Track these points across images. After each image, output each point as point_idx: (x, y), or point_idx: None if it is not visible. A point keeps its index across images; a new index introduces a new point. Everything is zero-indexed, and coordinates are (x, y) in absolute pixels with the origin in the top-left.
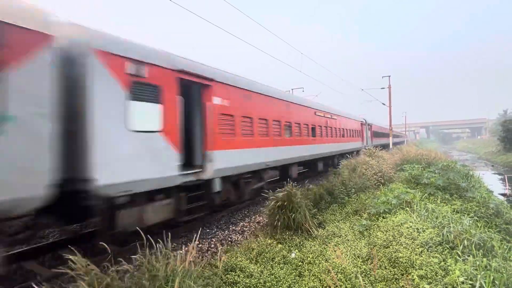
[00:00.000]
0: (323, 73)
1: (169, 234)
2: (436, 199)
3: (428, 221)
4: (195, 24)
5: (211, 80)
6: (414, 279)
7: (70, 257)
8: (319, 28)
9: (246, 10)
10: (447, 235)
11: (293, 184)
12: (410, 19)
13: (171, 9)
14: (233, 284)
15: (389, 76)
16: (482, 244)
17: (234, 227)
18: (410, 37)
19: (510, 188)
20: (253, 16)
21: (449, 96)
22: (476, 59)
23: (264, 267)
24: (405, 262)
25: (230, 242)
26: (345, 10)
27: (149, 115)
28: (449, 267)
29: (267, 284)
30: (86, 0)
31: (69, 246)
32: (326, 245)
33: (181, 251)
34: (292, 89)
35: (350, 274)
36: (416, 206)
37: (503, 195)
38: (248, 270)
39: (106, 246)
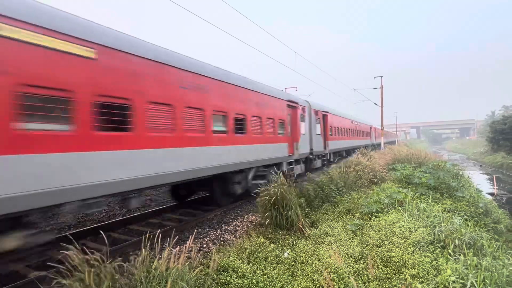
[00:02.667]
0: (317, 73)
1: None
2: (427, 198)
3: (420, 221)
4: (184, 22)
5: None
6: (406, 279)
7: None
8: (319, 28)
9: (241, 9)
10: (439, 235)
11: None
12: (409, 20)
13: (162, 7)
14: (225, 284)
15: (381, 77)
16: (472, 243)
17: (226, 227)
18: (408, 38)
19: (497, 187)
20: (248, 16)
21: (442, 97)
22: (475, 59)
23: (257, 267)
24: (398, 262)
25: (222, 242)
26: (344, 11)
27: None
28: (440, 266)
29: (260, 284)
30: (90, 1)
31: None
32: (319, 244)
33: (173, 251)
34: (285, 88)
35: (343, 274)
36: (408, 206)
37: (491, 194)
38: (241, 270)
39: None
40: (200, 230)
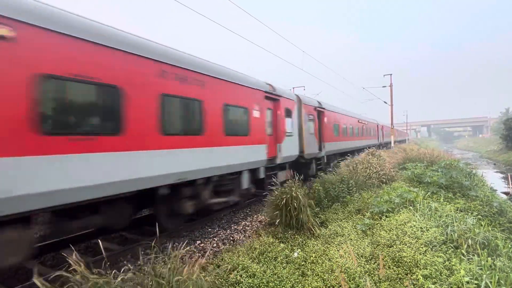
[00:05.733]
0: (324, 72)
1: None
2: (439, 198)
3: (432, 220)
4: (189, 20)
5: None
6: (418, 279)
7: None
8: (321, 28)
9: (248, 9)
10: (451, 234)
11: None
12: (411, 18)
13: (171, 10)
14: (236, 284)
15: (391, 75)
16: (486, 243)
17: (236, 226)
18: (411, 37)
19: None
20: (254, 16)
21: (451, 95)
22: (477, 57)
23: (267, 266)
24: (409, 262)
25: (232, 242)
26: (348, 11)
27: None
28: (453, 266)
29: (270, 284)
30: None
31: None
32: (329, 244)
33: (182, 251)
34: (293, 88)
35: (353, 274)
36: (419, 205)
37: (506, 193)
38: (251, 270)
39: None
40: (210, 229)
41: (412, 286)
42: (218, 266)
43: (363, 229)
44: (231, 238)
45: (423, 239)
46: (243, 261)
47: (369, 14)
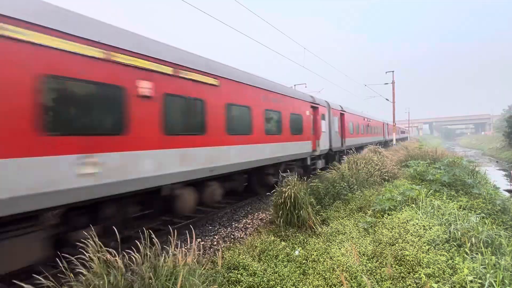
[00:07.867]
0: (326, 69)
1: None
2: (442, 195)
3: (435, 218)
4: (188, 19)
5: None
6: (421, 278)
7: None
8: (323, 26)
9: (248, 8)
10: (454, 233)
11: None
12: (411, 18)
13: (171, 9)
14: (236, 282)
15: (393, 71)
16: (490, 242)
17: (236, 224)
18: (412, 36)
19: None
20: (255, 14)
21: (453, 93)
22: (479, 56)
23: (268, 265)
24: (412, 260)
25: (232, 240)
26: (350, 8)
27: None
28: (457, 265)
29: (271, 282)
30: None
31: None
32: (330, 242)
33: (182, 248)
34: (295, 85)
35: (355, 273)
36: (422, 203)
37: (509, 191)
38: (251, 268)
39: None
40: (210, 227)
41: (415, 285)
42: (218, 264)
43: (365, 227)
44: (231, 236)
45: (426, 238)
46: (244, 259)
47: (369, 13)
